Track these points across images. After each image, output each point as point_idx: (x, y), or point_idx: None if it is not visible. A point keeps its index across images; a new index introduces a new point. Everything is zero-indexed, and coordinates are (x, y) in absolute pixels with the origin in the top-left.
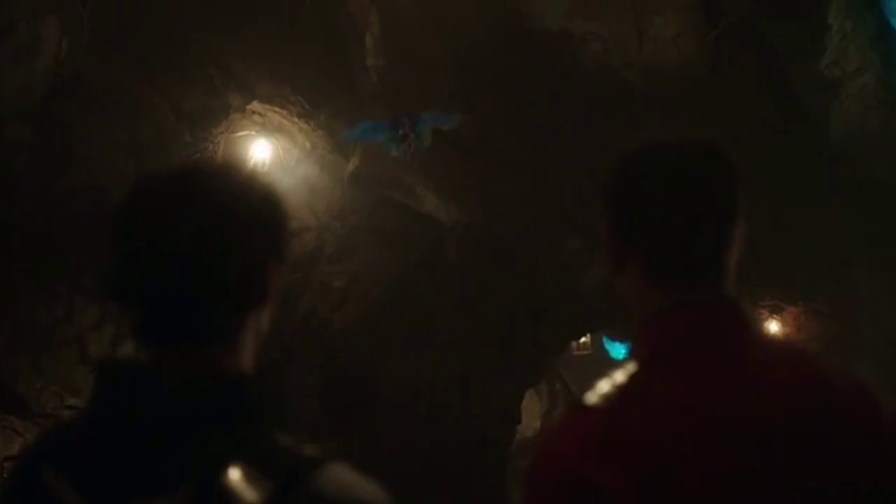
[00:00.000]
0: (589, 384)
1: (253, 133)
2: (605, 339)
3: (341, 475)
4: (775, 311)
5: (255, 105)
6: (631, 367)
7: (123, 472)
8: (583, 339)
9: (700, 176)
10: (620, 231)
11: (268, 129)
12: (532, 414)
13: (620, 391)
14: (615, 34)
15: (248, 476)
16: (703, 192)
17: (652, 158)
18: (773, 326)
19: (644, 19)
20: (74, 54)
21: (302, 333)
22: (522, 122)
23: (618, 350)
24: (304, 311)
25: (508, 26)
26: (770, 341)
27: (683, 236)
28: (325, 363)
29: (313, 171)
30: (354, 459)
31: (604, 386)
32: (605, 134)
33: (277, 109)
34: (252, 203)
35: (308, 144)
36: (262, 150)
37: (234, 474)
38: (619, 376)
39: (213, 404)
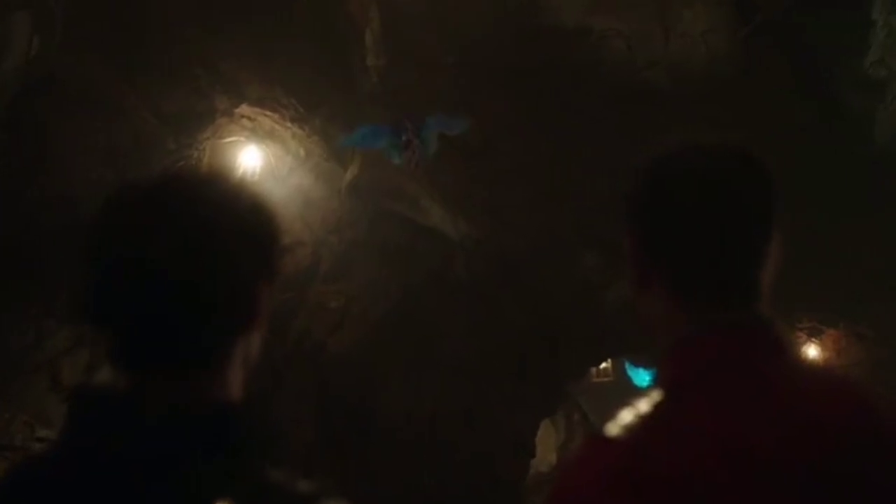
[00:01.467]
0: (610, 414)
1: (242, 139)
2: (627, 365)
3: None
4: (814, 334)
5: (245, 108)
6: (656, 396)
7: None
8: (603, 365)
9: (732, 185)
10: (644, 245)
11: (258, 134)
12: (547, 446)
13: (644, 422)
14: (638, 30)
15: None
16: (735, 203)
17: (679, 165)
18: (812, 351)
19: (670, 14)
20: (47, 52)
21: (295, 358)
22: (536, 126)
23: (642, 377)
24: (297, 333)
25: (520, 22)
26: (808, 367)
27: (714, 252)
28: (320, 390)
29: (308, 181)
30: (351, 496)
31: (626, 416)
32: (626, 139)
33: (269, 113)
34: (241, 215)
35: (302, 151)
36: (251, 158)
37: None
38: (643, 405)
39: (198, 437)
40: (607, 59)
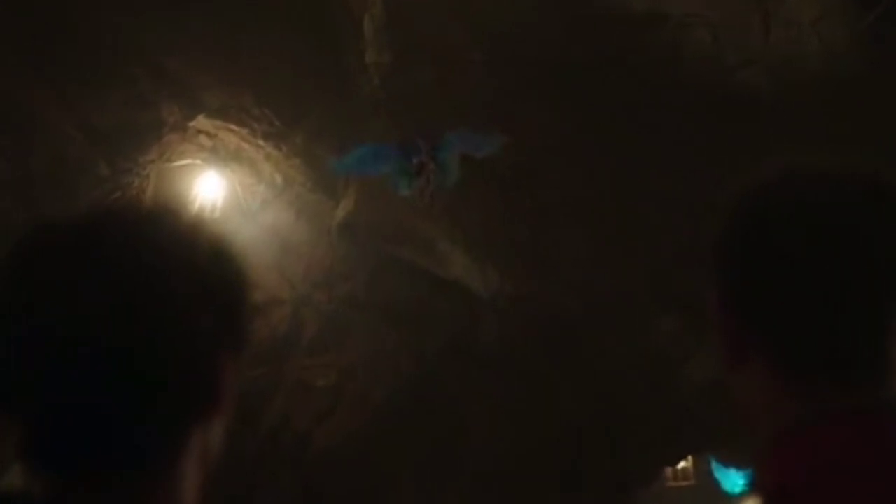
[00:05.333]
0: None
1: (198, 161)
2: (713, 464)
3: None
4: None
5: (202, 121)
6: None
7: None
8: (682, 465)
9: (857, 225)
10: (739, 306)
11: (220, 155)
12: None
13: None
14: (730, 17)
15: None
16: (861, 250)
17: (785, 199)
18: None
19: None
20: None
21: (270, 455)
22: (592, 146)
23: (733, 480)
24: (273, 422)
25: (570, 7)
26: None
27: (832, 315)
28: (305, 498)
29: (287, 218)
30: None
31: None
32: (714, 162)
33: (234, 127)
34: (196, 265)
35: (279, 178)
36: (211, 187)
37: None
38: None
39: None
40: (688, 56)
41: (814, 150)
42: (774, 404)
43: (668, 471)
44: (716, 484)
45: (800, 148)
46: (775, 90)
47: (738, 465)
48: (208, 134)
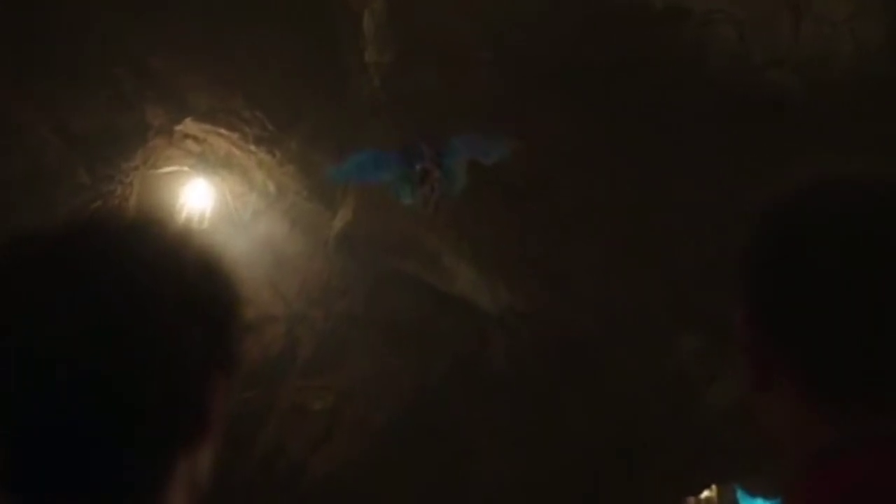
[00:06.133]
0: None
1: (185, 168)
2: (739, 494)
3: None
4: None
5: (189, 124)
6: None
7: None
8: (706, 494)
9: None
10: (768, 324)
11: (209, 161)
12: None
13: None
14: (757, 13)
15: None
16: None
17: (818, 209)
18: None
19: None
20: None
21: (263, 484)
22: (610, 152)
23: None
24: (266, 448)
25: (586, 1)
26: None
27: (869, 334)
28: None
29: (280, 229)
30: None
31: None
32: (740, 169)
33: (224, 131)
34: (183, 280)
35: (272, 186)
36: (199, 196)
37: None
38: None
39: None
40: (712, 56)
41: (848, 156)
42: (804, 429)
43: (691, 501)
44: None
45: (833, 153)
46: (806, 91)
47: (766, 495)
48: (196, 138)
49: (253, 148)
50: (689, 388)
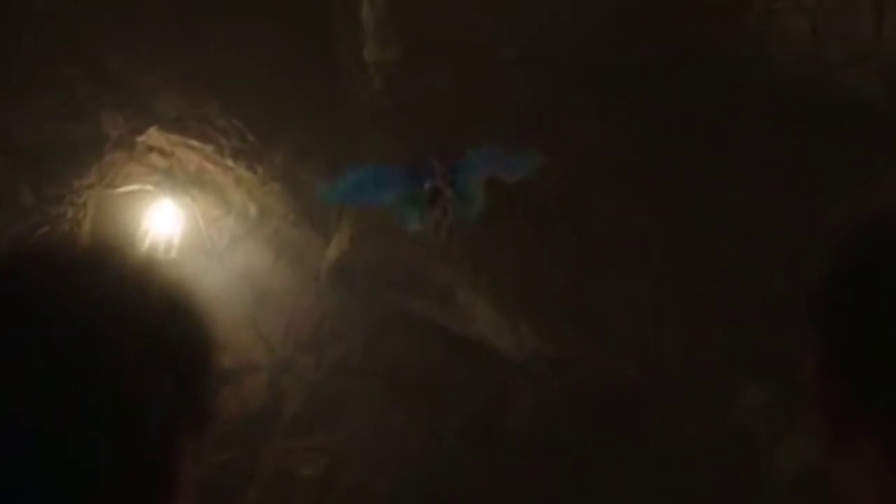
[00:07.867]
0: None
1: (149, 187)
2: None
3: None
4: None
5: (154, 135)
6: None
7: None
8: None
9: None
10: (846, 374)
11: (177, 179)
12: None
13: None
14: (832, 3)
15: None
16: None
17: None
18: None
19: None
20: None
21: None
22: (654, 169)
23: None
24: None
25: None
26: None
27: None
28: None
29: (263, 260)
30: None
31: None
32: (811, 187)
33: (195, 143)
34: (147, 321)
35: (253, 209)
36: (166, 220)
37: None
38: None
39: None
40: (778, 53)
41: None
42: (891, 498)
43: None
44: None
45: None
46: (889, 95)
47: None
48: (162, 152)
49: (230, 163)
50: (752, 449)
